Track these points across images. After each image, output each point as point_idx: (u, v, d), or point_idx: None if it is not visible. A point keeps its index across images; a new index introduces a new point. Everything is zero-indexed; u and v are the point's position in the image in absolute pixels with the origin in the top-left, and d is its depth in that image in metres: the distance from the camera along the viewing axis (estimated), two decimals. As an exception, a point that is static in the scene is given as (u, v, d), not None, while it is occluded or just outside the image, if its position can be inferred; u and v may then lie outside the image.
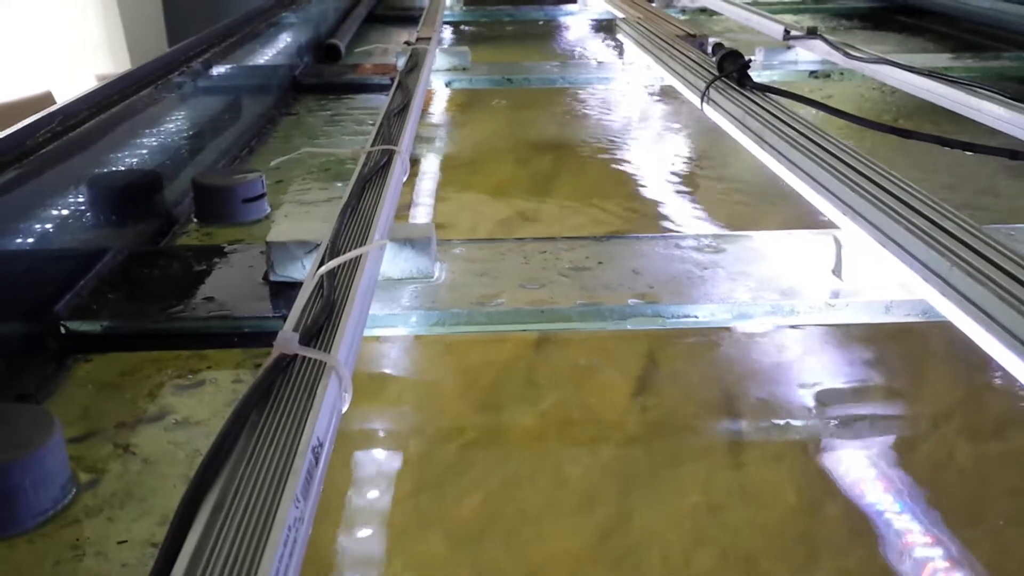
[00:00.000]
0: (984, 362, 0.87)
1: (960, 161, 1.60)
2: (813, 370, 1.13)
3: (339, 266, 0.73)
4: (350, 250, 0.82)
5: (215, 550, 0.45)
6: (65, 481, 0.65)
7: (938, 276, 0.75)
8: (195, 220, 1.19)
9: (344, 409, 0.62)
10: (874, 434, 1.05)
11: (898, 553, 0.99)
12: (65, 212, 0.95)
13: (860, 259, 0.92)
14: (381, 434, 1.11)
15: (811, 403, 1.09)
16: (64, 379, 0.82)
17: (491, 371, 1.21)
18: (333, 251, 0.81)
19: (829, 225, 0.98)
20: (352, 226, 0.88)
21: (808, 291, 0.91)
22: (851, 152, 1.03)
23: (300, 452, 0.52)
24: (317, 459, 0.54)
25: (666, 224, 1.61)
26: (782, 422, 1.07)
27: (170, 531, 0.46)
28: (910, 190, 0.91)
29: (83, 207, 0.99)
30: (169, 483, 0.68)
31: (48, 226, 0.91)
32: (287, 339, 0.61)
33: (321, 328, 0.66)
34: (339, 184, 1.35)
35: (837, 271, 0.93)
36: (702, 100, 1.40)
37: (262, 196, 1.20)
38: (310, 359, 0.61)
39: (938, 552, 1.00)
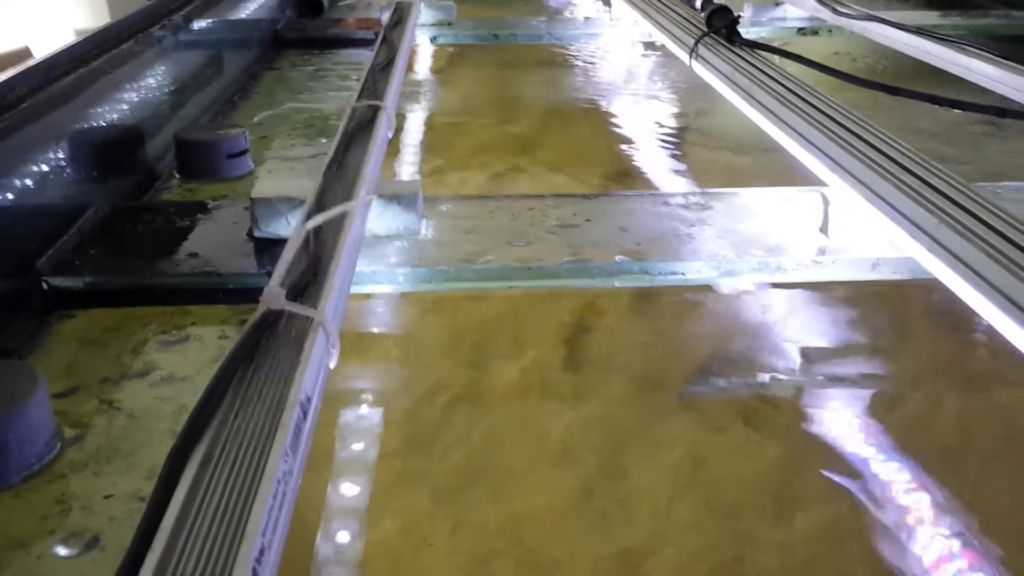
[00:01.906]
0: (968, 319, 0.88)
1: (947, 119, 1.60)
2: (797, 328, 1.13)
3: (325, 222, 0.72)
4: (336, 206, 0.82)
5: (204, 503, 0.45)
6: (50, 436, 0.64)
7: (926, 233, 0.75)
8: (177, 176, 1.18)
9: (332, 365, 0.62)
10: (857, 391, 1.06)
11: (879, 505, 1.00)
12: (46, 168, 0.94)
13: (847, 216, 0.92)
14: (367, 393, 1.11)
15: (795, 360, 1.09)
16: (47, 335, 0.81)
17: (476, 329, 1.21)
18: (319, 207, 0.80)
19: (817, 183, 0.98)
20: (338, 182, 0.87)
21: (795, 248, 0.91)
22: (840, 109, 1.02)
23: (289, 406, 0.52)
24: (305, 414, 0.53)
25: (653, 185, 1.60)
26: (765, 378, 1.07)
27: (158, 484, 0.46)
28: (899, 147, 0.91)
29: (64, 163, 0.97)
30: (155, 438, 0.68)
31: (29, 182, 0.90)
32: (273, 294, 0.60)
33: (307, 284, 0.66)
34: (323, 140, 1.33)
35: (824, 228, 0.93)
36: (691, 56, 1.39)
37: (245, 152, 1.18)
38: (297, 315, 0.61)
39: (921, 503, 1.01)
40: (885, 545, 0.97)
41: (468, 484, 1.00)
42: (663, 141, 1.75)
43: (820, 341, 1.11)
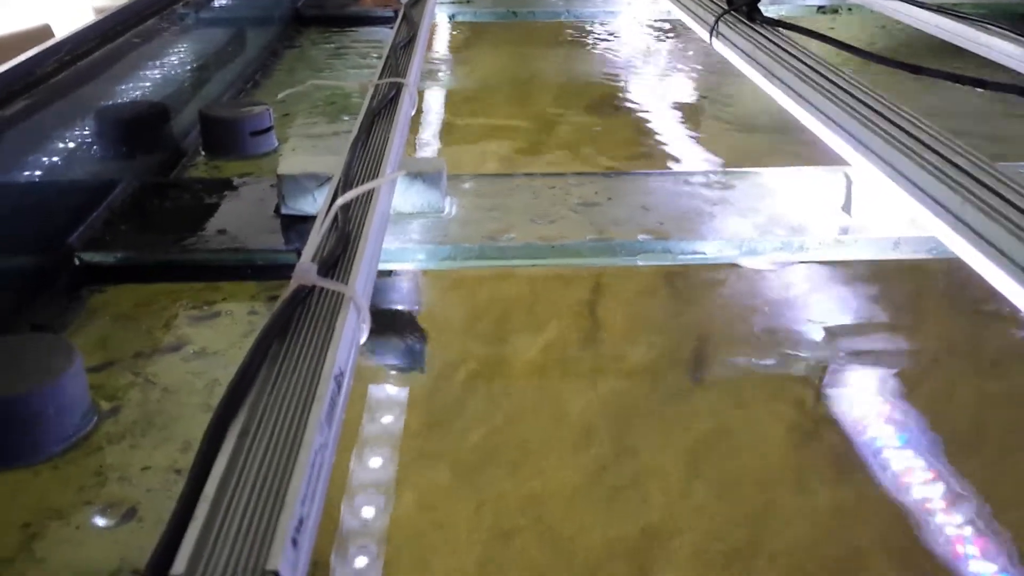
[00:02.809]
0: (989, 299, 0.88)
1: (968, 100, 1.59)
2: (818, 306, 1.14)
3: (353, 199, 0.73)
4: (363, 183, 0.83)
5: (243, 474, 0.46)
6: (86, 409, 0.66)
7: (950, 212, 0.75)
8: (203, 153, 1.19)
9: (362, 340, 0.63)
10: (877, 370, 1.07)
11: (896, 484, 1.01)
12: (74, 145, 0.95)
13: (870, 195, 0.92)
14: (388, 369, 1.12)
15: (816, 338, 1.10)
16: (79, 310, 0.82)
17: (498, 306, 1.22)
18: (346, 184, 0.81)
19: (839, 163, 0.98)
20: (363, 160, 0.88)
21: (817, 227, 0.91)
22: (862, 87, 1.02)
23: (323, 379, 0.53)
24: (339, 387, 0.54)
25: (672, 165, 1.60)
26: (787, 356, 1.08)
27: (198, 455, 0.47)
28: (922, 125, 0.91)
29: (92, 139, 0.98)
30: (189, 412, 0.69)
31: (58, 159, 0.91)
32: (305, 270, 0.61)
33: (337, 260, 0.67)
34: (346, 118, 1.34)
35: (846, 207, 0.93)
36: (711, 34, 1.39)
37: (270, 129, 1.19)
38: (328, 290, 0.62)
39: (935, 480, 1.01)
40: (899, 525, 0.98)
41: (488, 460, 1.01)
42: (681, 121, 1.75)
43: (841, 319, 1.11)
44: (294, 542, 0.42)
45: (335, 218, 0.72)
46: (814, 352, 1.08)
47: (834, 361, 1.07)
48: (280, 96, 1.31)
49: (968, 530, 0.99)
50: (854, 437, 1.03)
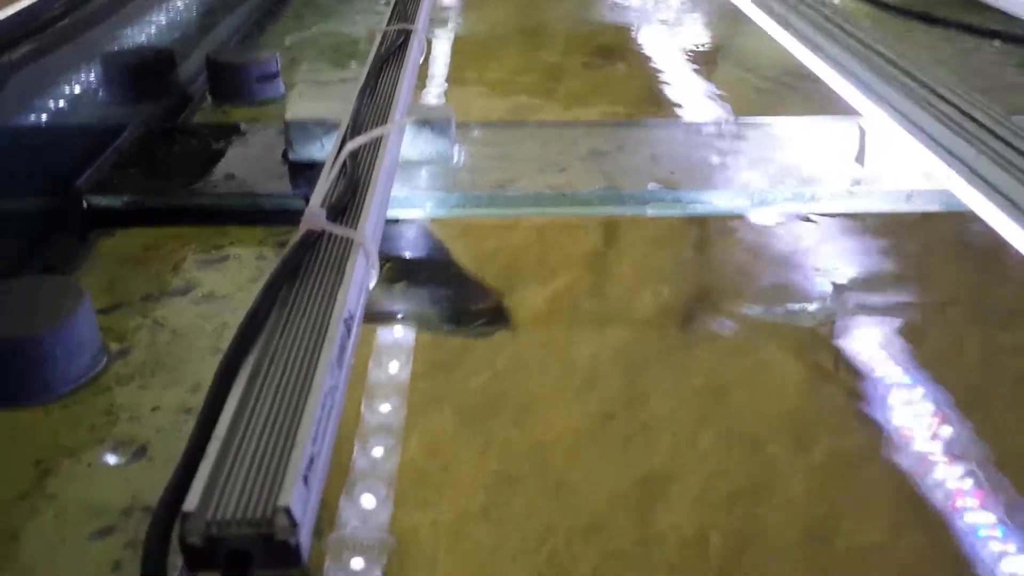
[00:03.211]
0: (999, 251, 0.87)
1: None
2: (828, 257, 1.13)
3: (361, 146, 0.73)
4: (371, 130, 0.82)
5: (254, 414, 0.46)
6: (96, 350, 0.66)
7: (964, 164, 0.75)
8: (210, 98, 1.18)
9: (371, 285, 0.63)
10: (884, 321, 1.06)
11: (900, 434, 1.01)
12: (81, 89, 0.94)
13: (883, 147, 0.91)
14: (395, 316, 1.12)
15: (825, 289, 1.10)
16: (88, 253, 0.83)
17: (506, 255, 1.22)
18: (354, 130, 0.80)
19: (851, 113, 0.97)
20: (372, 106, 0.87)
21: (829, 178, 0.91)
22: (876, 37, 1.01)
23: (333, 322, 0.53)
24: (349, 330, 0.55)
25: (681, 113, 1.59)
26: (795, 307, 1.08)
27: (209, 396, 0.48)
28: (937, 77, 0.90)
29: (99, 84, 0.98)
30: (198, 354, 0.69)
31: (66, 103, 0.90)
32: (315, 215, 0.61)
33: (346, 206, 0.66)
34: (353, 64, 1.33)
35: (860, 158, 0.92)
36: (726, -17, 1.37)
37: (277, 75, 1.18)
38: (337, 236, 0.62)
39: (939, 430, 1.02)
40: (903, 474, 0.98)
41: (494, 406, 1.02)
42: (693, 69, 1.72)
43: (850, 271, 1.11)
44: (305, 480, 0.42)
45: (343, 164, 0.72)
46: (824, 303, 1.08)
47: (842, 313, 1.07)
48: (288, 42, 1.30)
49: (969, 481, 0.99)
50: (861, 386, 1.04)
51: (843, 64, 1.00)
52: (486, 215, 0.90)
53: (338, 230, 0.62)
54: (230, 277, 0.79)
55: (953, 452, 1.01)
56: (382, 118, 0.85)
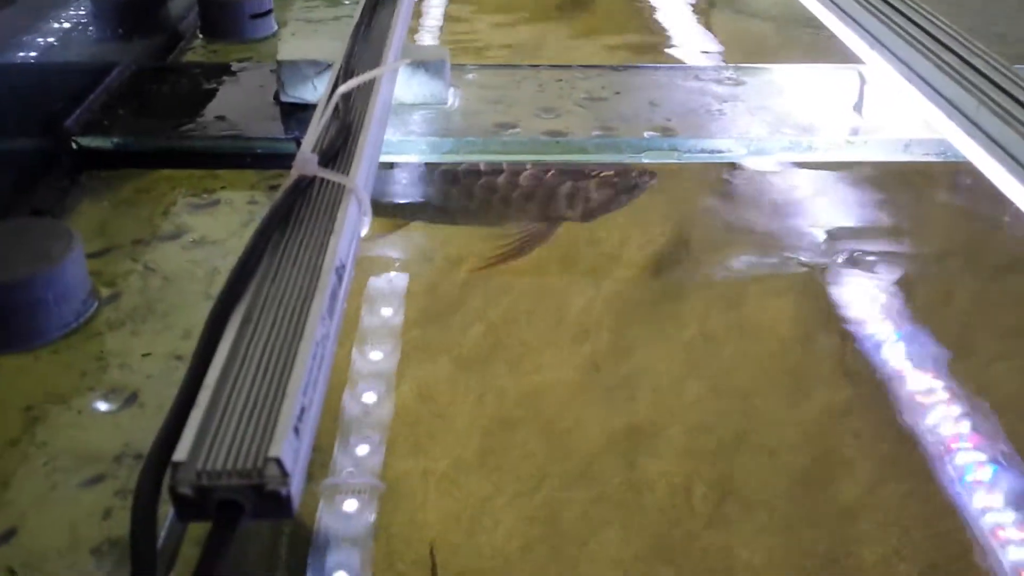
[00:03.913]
0: (997, 202, 0.87)
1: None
2: (823, 206, 1.13)
3: (353, 88, 0.71)
4: (364, 71, 0.81)
5: (245, 362, 0.46)
6: (86, 295, 0.66)
7: (964, 115, 0.74)
8: (200, 36, 1.16)
9: (363, 232, 0.62)
10: (877, 270, 1.07)
11: (889, 385, 1.02)
12: (70, 26, 0.92)
13: (882, 95, 0.90)
14: (393, 261, 1.12)
15: (818, 238, 1.09)
16: (78, 195, 0.82)
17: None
18: (347, 72, 0.79)
19: (852, 60, 0.96)
20: (365, 47, 0.86)
21: (827, 127, 0.90)
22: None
23: (324, 271, 0.52)
24: (340, 279, 0.54)
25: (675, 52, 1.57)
26: (789, 256, 1.07)
27: (200, 343, 0.47)
28: (940, 24, 0.88)
29: (89, 20, 0.96)
30: (189, 300, 0.69)
31: (54, 40, 0.88)
32: (306, 160, 0.60)
33: (338, 151, 0.66)
34: (346, 2, 1.30)
35: (858, 107, 0.91)
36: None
37: (269, 12, 1.16)
38: (329, 181, 0.61)
39: (928, 384, 1.02)
40: (888, 427, 0.99)
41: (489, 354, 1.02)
42: (691, 8, 1.70)
43: (845, 220, 1.11)
44: (296, 430, 0.42)
45: (336, 108, 0.71)
46: (818, 253, 1.08)
47: (833, 263, 1.07)
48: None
49: (963, 426, 1.00)
50: (850, 338, 1.04)
51: (842, 7, 0.98)
52: (480, 160, 0.89)
53: (330, 175, 0.61)
54: (221, 222, 0.78)
55: (942, 402, 1.02)
56: (376, 60, 0.83)
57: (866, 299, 1.02)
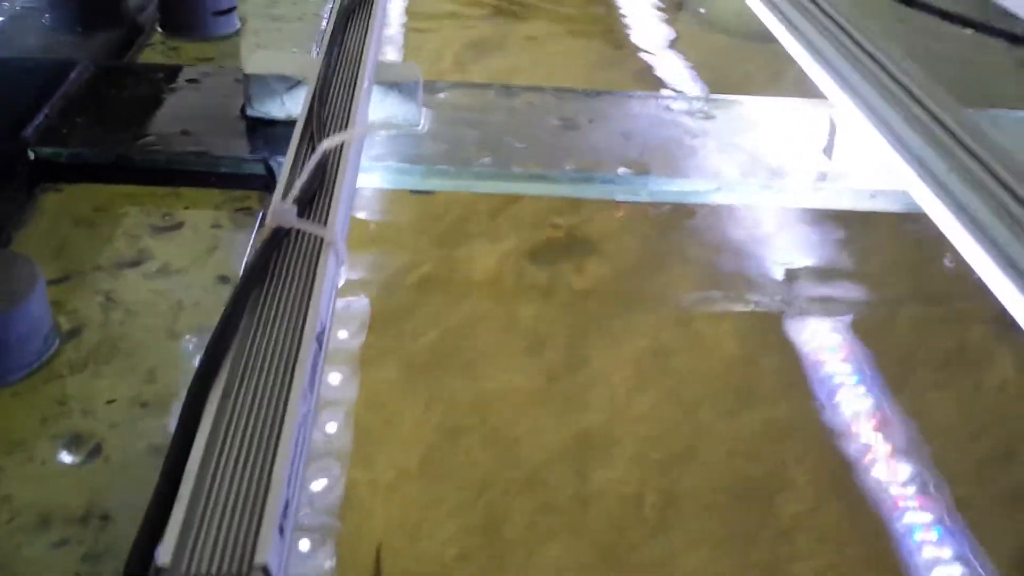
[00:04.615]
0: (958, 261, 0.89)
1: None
2: (783, 246, 1.15)
3: (328, 120, 0.70)
4: (339, 95, 0.79)
5: (227, 444, 0.45)
6: (48, 331, 0.64)
7: (935, 179, 0.75)
8: (160, 30, 1.12)
9: (341, 284, 0.61)
10: (830, 307, 1.09)
11: (831, 409, 1.04)
12: (24, 12, 0.88)
13: (851, 138, 0.91)
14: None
15: (775, 275, 1.11)
16: (35, 210, 0.79)
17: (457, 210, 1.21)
18: (321, 99, 0.77)
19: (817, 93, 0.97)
20: (339, 67, 0.84)
21: (796, 171, 0.90)
22: (851, 18, 1.00)
23: (306, 339, 0.51)
24: (321, 346, 0.53)
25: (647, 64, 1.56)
26: (744, 290, 1.09)
27: (181, 423, 0.46)
28: (910, 72, 0.89)
29: (45, 8, 0.92)
30: (152, 337, 0.67)
31: (7, 30, 0.85)
32: (284, 211, 0.59)
33: (313, 196, 0.64)
34: (312, -3, 1.27)
35: (828, 151, 0.92)
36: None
37: (232, 9, 1.13)
38: (305, 232, 0.60)
39: (869, 410, 1.05)
40: (828, 448, 1.02)
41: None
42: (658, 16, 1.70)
43: (801, 259, 1.13)
44: (280, 530, 0.41)
45: (309, 149, 0.69)
46: (774, 289, 1.10)
47: (788, 297, 1.09)
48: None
49: (888, 449, 1.03)
50: (797, 363, 1.06)
51: (814, 43, 0.99)
52: (450, 188, 0.88)
53: (309, 227, 0.59)
54: (185, 248, 0.76)
55: (879, 427, 1.05)
56: (350, 80, 0.81)
57: (816, 331, 1.05)
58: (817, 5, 1.06)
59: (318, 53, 1.06)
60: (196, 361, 0.62)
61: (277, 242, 0.58)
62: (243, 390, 0.48)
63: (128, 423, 0.60)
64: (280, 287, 0.56)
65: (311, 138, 0.69)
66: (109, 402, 0.61)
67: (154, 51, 1.09)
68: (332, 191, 0.64)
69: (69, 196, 0.81)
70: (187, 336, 0.68)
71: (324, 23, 1.21)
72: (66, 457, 0.57)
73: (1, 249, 0.66)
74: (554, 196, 0.88)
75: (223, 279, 0.73)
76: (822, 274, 1.15)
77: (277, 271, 0.57)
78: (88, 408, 0.61)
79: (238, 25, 1.14)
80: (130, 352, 0.65)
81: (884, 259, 1.15)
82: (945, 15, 1.08)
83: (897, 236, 1.15)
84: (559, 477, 0.94)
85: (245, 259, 0.72)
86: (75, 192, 0.82)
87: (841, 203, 0.90)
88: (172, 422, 0.59)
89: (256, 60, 0.89)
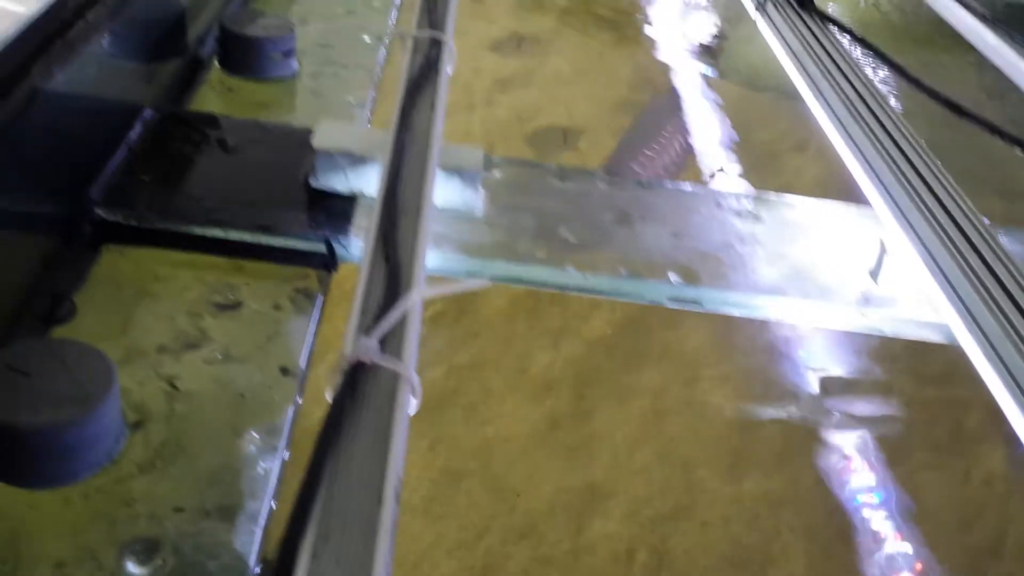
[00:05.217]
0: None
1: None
2: (816, 354, 1.17)
3: (401, 244, 0.71)
4: (410, 180, 0.80)
5: (312, 619, 0.46)
6: (119, 430, 0.65)
7: (987, 339, 0.77)
8: (218, 66, 1.12)
9: (412, 413, 0.62)
10: (860, 428, 1.11)
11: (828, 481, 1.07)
12: (97, 65, 0.87)
13: (899, 264, 0.93)
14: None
15: (808, 386, 1.13)
16: (97, 274, 0.80)
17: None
18: (391, 193, 0.78)
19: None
20: (408, 151, 0.84)
21: (842, 291, 0.92)
22: (908, 133, 1.01)
23: (386, 500, 0.53)
24: (398, 500, 0.55)
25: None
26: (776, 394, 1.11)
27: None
28: (967, 210, 0.91)
29: (113, 54, 0.91)
30: (217, 433, 0.68)
31: (77, 79, 0.84)
32: (365, 347, 0.60)
33: (383, 318, 0.64)
34: (366, 39, 1.27)
35: (875, 275, 0.93)
36: (757, 8, 1.34)
37: (291, 51, 1.13)
38: (381, 366, 0.61)
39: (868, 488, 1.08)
40: (822, 518, 1.04)
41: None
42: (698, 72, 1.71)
43: (831, 369, 1.15)
44: None
45: (385, 255, 0.70)
46: (805, 402, 1.12)
47: (817, 406, 1.11)
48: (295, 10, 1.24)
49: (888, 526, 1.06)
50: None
51: (865, 155, 1.00)
52: (500, 280, 0.89)
53: (388, 363, 0.61)
54: (246, 331, 0.78)
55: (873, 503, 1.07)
56: (418, 171, 0.82)
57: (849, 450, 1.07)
58: (869, 108, 1.07)
59: (369, 119, 1.07)
60: (259, 464, 0.64)
61: (355, 378, 0.60)
62: (327, 548, 0.50)
63: (194, 533, 0.61)
64: (356, 429, 0.57)
65: (386, 256, 0.69)
66: (177, 510, 0.62)
67: (211, 89, 1.09)
68: (407, 322, 0.64)
69: (131, 261, 0.82)
70: (251, 433, 0.69)
71: (378, 68, 1.21)
72: (135, 570, 0.59)
73: (74, 342, 0.66)
74: (601, 293, 0.89)
75: (284, 371, 0.75)
76: (849, 388, 1.17)
77: (353, 409, 0.58)
78: (155, 513, 0.62)
79: (296, 68, 1.14)
80: (193, 452, 0.67)
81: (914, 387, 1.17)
82: (995, 130, 1.09)
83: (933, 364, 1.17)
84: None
85: (305, 352, 0.70)
86: (137, 257, 0.83)
87: (884, 329, 0.91)
88: (237, 532, 0.61)
89: (323, 134, 0.89)
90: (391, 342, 0.63)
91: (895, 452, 1.15)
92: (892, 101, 1.13)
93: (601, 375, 1.15)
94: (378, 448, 0.56)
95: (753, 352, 1.21)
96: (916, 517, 1.08)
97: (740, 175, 1.63)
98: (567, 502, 1.04)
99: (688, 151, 1.62)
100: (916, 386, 1.21)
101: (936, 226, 0.89)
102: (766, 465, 1.10)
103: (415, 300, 0.63)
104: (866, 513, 1.08)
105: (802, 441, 1.12)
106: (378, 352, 0.60)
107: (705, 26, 1.79)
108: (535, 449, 1.07)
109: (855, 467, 1.11)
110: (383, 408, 0.58)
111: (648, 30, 1.78)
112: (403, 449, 0.57)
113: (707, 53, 1.80)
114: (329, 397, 0.59)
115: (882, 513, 1.08)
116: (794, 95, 1.20)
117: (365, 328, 0.62)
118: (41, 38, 0.75)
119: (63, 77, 0.76)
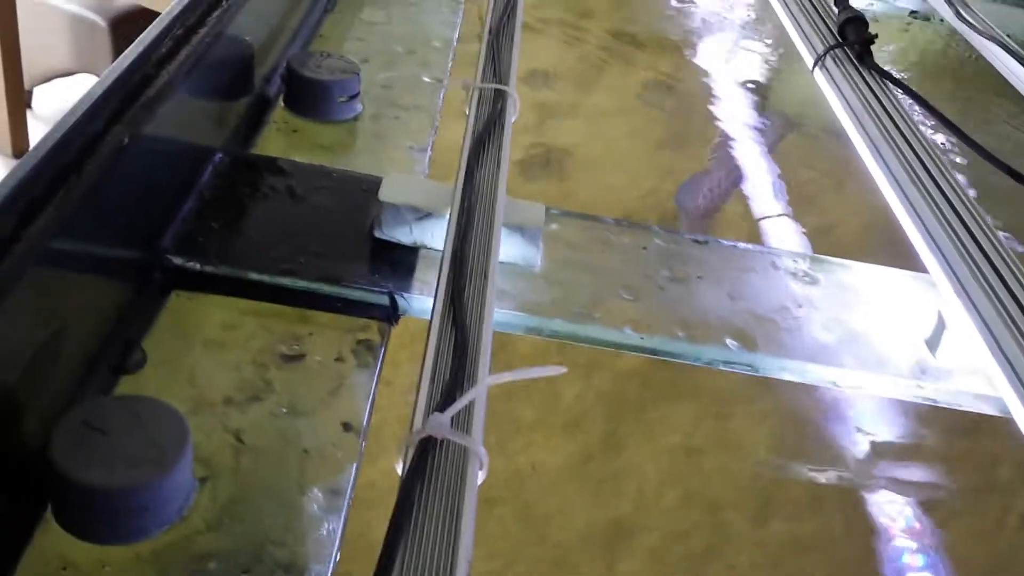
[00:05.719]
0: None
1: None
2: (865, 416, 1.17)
3: (470, 310, 0.72)
4: (477, 240, 0.81)
5: None
6: (190, 487, 0.66)
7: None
8: (283, 106, 1.14)
9: (480, 483, 0.63)
10: (906, 496, 1.11)
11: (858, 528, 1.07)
12: (172, 108, 0.89)
13: (958, 338, 0.93)
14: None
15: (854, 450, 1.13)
16: (166, 322, 0.81)
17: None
18: (460, 248, 0.79)
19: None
20: (473, 207, 0.86)
21: (898, 362, 0.92)
22: (970, 203, 1.01)
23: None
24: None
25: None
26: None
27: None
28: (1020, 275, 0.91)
29: (186, 97, 0.93)
30: (282, 492, 0.70)
31: (157, 130, 0.86)
32: (437, 423, 0.61)
33: (451, 392, 0.65)
34: (426, 79, 1.29)
35: (932, 347, 0.93)
36: (816, 65, 1.34)
37: (357, 95, 1.15)
38: (450, 441, 0.62)
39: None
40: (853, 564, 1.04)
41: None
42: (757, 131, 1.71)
43: (880, 434, 1.15)
44: None
45: (454, 323, 0.71)
46: (849, 465, 1.12)
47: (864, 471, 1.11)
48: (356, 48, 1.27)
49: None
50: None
51: (925, 223, 1.00)
52: (552, 338, 0.90)
53: (457, 438, 0.62)
54: (309, 384, 0.79)
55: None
56: (488, 228, 0.83)
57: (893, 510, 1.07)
58: (929, 173, 1.07)
59: (427, 167, 1.08)
60: (324, 525, 0.66)
61: (425, 453, 0.61)
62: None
63: (262, 598, 0.63)
64: (424, 503, 0.58)
65: (454, 319, 0.71)
66: (244, 572, 0.64)
67: (276, 130, 1.11)
68: (475, 404, 0.65)
69: (200, 308, 0.84)
70: (315, 491, 0.70)
71: (437, 111, 1.23)
72: (204, 636, 0.60)
73: (149, 399, 0.68)
74: (657, 354, 0.89)
75: (347, 426, 0.76)
76: (899, 455, 1.17)
77: (423, 484, 0.59)
78: (224, 573, 0.63)
79: (360, 110, 1.16)
80: (260, 511, 0.68)
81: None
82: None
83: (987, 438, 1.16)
84: None
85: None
86: (206, 304, 0.84)
87: (939, 399, 0.91)
88: (299, 596, 0.63)
89: (390, 188, 0.91)
90: (460, 415, 0.64)
91: (929, 505, 1.14)
92: (951, 157, 1.13)
93: (632, 408, 1.15)
94: (451, 526, 0.57)
95: (787, 390, 1.21)
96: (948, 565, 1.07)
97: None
98: (597, 535, 1.05)
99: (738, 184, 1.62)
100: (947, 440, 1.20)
101: (994, 298, 0.89)
102: (798, 507, 1.09)
103: (488, 382, 0.63)
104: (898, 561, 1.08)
105: (834, 486, 1.12)
106: (449, 429, 0.61)
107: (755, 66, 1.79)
108: (566, 482, 1.08)
109: (888, 517, 1.11)
110: (451, 484, 0.59)
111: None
112: (472, 527, 0.58)
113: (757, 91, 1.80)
114: (399, 470, 0.60)
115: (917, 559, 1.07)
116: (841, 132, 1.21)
117: (435, 403, 0.63)
118: (125, 94, 0.77)
119: (147, 129, 0.78)
